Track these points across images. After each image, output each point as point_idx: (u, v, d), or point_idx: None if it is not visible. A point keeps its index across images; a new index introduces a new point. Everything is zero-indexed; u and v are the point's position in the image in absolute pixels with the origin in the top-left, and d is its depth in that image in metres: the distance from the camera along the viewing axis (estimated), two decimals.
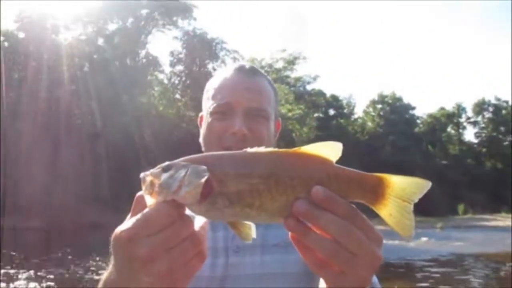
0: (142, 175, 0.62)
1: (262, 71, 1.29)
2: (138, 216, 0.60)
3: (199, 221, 0.65)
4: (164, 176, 0.60)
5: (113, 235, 0.62)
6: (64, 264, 11.55)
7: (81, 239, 17.65)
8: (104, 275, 0.71)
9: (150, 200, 0.61)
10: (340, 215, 0.59)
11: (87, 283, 9.32)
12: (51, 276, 10.07)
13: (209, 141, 1.16)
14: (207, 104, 1.20)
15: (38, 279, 9.76)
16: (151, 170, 0.62)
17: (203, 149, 1.19)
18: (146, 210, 0.60)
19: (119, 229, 0.61)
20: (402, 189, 0.62)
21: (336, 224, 0.58)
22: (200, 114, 1.27)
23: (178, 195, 0.59)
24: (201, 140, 1.21)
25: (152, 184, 0.61)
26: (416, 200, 0.62)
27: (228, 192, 0.60)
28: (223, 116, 1.14)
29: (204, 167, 0.60)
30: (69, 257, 12.54)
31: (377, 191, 0.62)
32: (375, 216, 0.68)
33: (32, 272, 10.32)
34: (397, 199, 0.62)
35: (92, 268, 10.97)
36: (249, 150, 0.63)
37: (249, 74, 1.20)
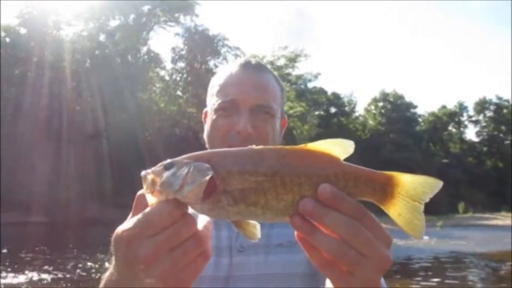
0: (143, 173, 0.60)
1: None
2: (139, 215, 0.58)
3: (202, 220, 0.63)
4: (166, 174, 0.58)
5: (114, 235, 0.60)
6: (67, 260, 11.56)
7: (83, 234, 17.73)
8: (105, 275, 0.70)
9: (151, 199, 0.59)
10: (347, 214, 0.57)
11: (89, 282, 9.31)
12: (55, 272, 10.09)
13: (213, 138, 1.14)
14: (212, 101, 1.17)
15: (40, 274, 9.77)
16: (153, 168, 0.60)
17: (207, 145, 1.17)
18: (148, 209, 0.59)
19: (120, 229, 0.59)
20: (412, 188, 0.60)
21: (343, 223, 0.57)
22: (204, 110, 1.24)
23: (181, 194, 0.57)
24: (205, 136, 1.19)
25: (153, 182, 0.59)
26: (427, 200, 0.60)
27: (232, 190, 0.58)
28: (227, 113, 1.11)
29: (208, 165, 0.58)
30: (75, 252, 12.55)
31: (387, 190, 0.60)
32: (383, 215, 0.66)
33: (32, 267, 10.34)
34: (407, 198, 0.60)
35: (91, 265, 10.98)
36: (254, 147, 0.61)
37: (255, 70, 1.17)
